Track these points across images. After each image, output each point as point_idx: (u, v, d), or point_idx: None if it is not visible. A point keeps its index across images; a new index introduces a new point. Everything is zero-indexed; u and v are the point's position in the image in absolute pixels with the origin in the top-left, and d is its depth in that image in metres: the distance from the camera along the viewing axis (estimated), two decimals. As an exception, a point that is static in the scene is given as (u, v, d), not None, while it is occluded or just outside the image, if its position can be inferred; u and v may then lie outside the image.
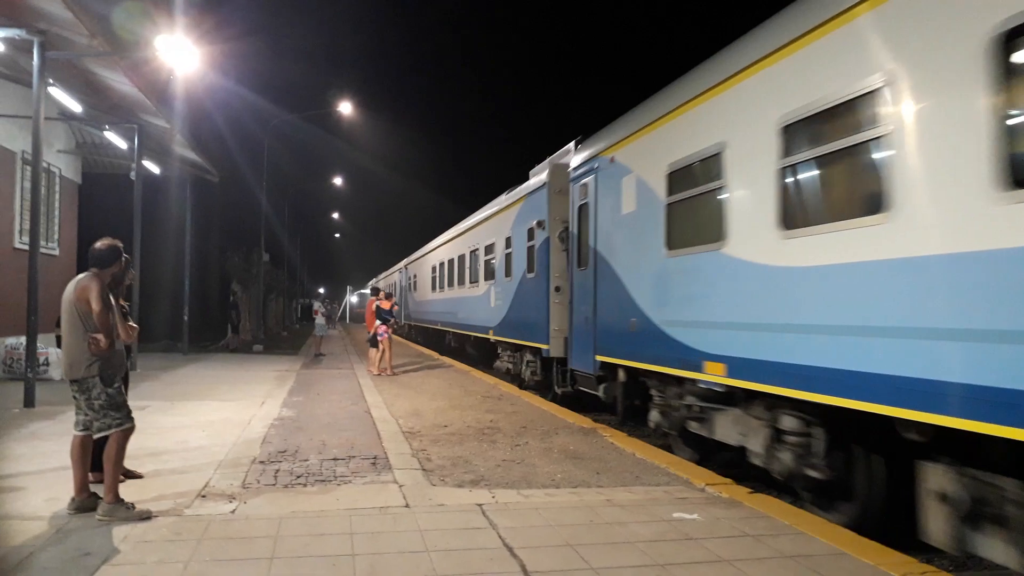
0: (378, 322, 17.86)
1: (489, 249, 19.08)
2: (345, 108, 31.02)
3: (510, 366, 16.68)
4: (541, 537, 5.18)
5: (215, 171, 21.39)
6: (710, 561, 4.74)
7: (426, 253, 31.83)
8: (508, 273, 16.81)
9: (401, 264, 42.29)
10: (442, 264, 26.88)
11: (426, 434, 9.24)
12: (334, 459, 7.66)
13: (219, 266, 32.60)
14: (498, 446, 8.52)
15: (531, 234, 14.73)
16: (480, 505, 5.97)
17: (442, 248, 27.16)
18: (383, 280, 54.76)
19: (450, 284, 25.19)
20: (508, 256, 16.88)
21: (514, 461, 7.72)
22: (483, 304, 19.43)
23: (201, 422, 9.83)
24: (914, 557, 5.08)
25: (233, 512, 5.65)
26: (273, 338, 35.73)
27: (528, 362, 14.99)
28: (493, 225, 18.65)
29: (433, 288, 29.16)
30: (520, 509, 5.90)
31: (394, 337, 21.60)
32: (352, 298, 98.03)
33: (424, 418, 10.58)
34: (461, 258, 23.12)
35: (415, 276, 35.59)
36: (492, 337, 18.04)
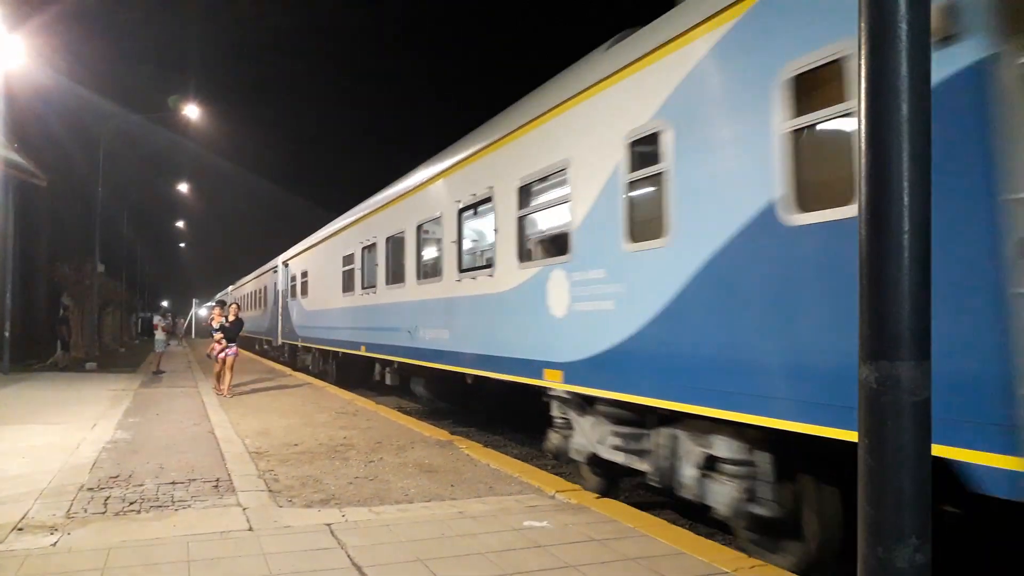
0: (217, 336, 16.16)
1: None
2: (192, 112, 29.48)
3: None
4: (391, 554, 5.11)
5: (42, 174, 19.71)
6: (557, 567, 4.84)
7: (336, 232, 19.11)
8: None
9: (277, 261, 29.66)
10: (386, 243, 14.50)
11: (274, 454, 8.89)
12: (172, 483, 7.22)
13: (48, 277, 29.90)
14: (351, 463, 8.34)
15: None
16: (329, 525, 5.81)
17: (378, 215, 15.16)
18: (243, 289, 44.90)
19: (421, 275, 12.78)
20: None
21: (367, 478, 7.58)
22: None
23: (21, 448, 8.98)
24: (743, 553, 5.43)
25: (54, 545, 5.20)
26: (109, 355, 33.23)
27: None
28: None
29: (355, 287, 16.68)
30: (371, 527, 5.79)
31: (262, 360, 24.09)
32: (201, 311, 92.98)
33: (273, 437, 10.18)
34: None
35: (304, 275, 23.70)
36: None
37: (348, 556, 5.04)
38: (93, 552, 5.04)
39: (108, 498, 6.59)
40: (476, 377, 10.17)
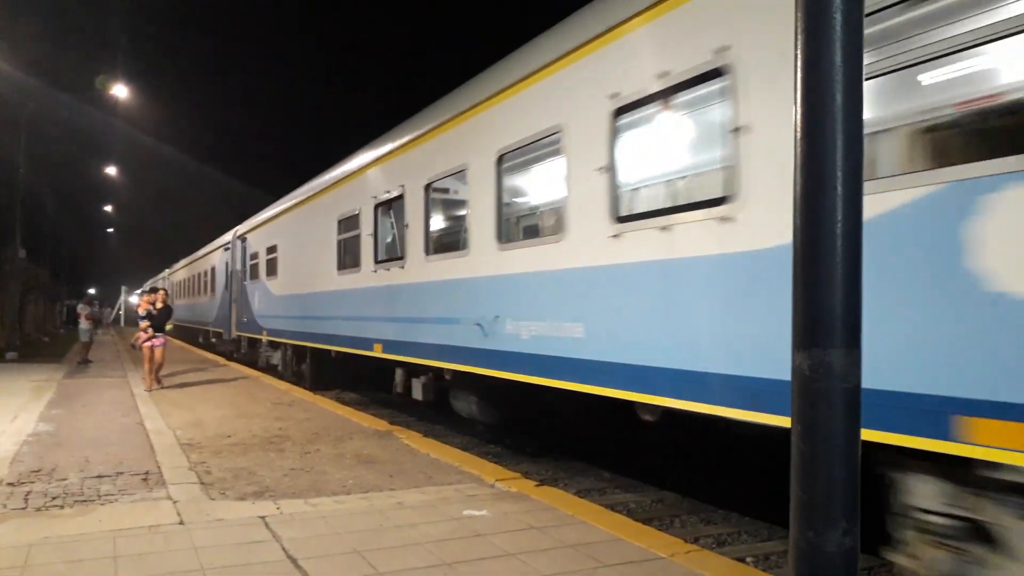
0: (143, 324, 15.08)
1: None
2: (120, 91, 28.39)
3: None
4: (328, 546, 5.03)
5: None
6: (496, 556, 4.85)
7: (326, 189, 14.51)
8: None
9: (228, 236, 24.40)
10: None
11: (207, 446, 8.67)
12: (98, 477, 6.97)
13: (-36, 263, 28.46)
14: (287, 455, 8.19)
15: None
16: (263, 517, 5.70)
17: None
18: (181, 273, 39.18)
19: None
20: None
21: (303, 469, 7.45)
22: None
23: (-67, 443, 8.55)
24: (682, 539, 5.54)
25: (-31, 544, 4.96)
26: (32, 344, 31.90)
27: None
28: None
29: (361, 262, 12.14)
30: (307, 518, 5.70)
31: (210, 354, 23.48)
32: (132, 298, 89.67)
33: (205, 429, 9.92)
34: None
35: (270, 251, 18.78)
36: None
37: (283, 548, 4.95)
38: (12, 550, 4.83)
39: (29, 493, 6.32)
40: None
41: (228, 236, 24.40)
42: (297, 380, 16.50)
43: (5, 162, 29.08)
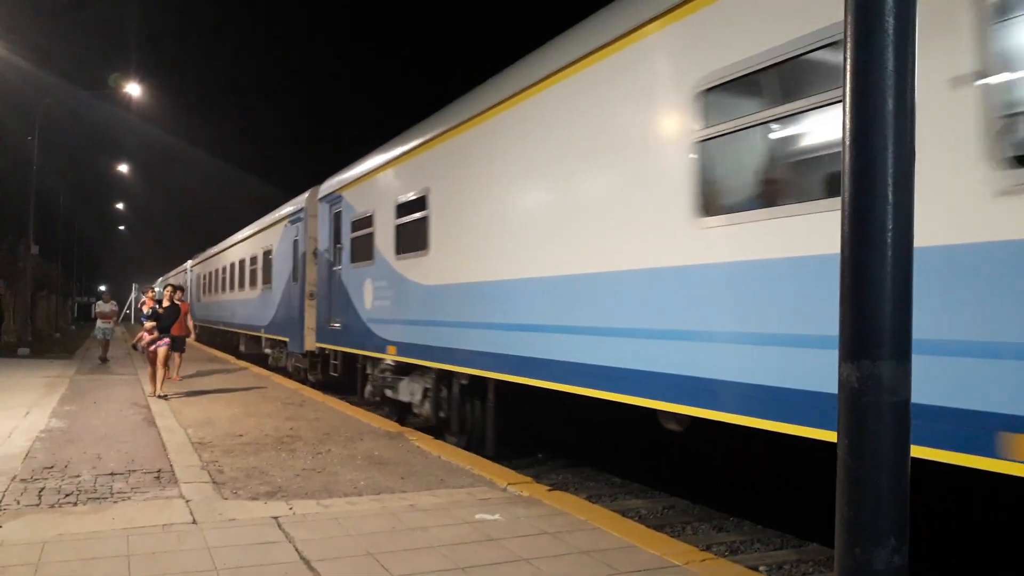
0: (148, 325, 13.44)
1: None
2: (134, 90, 28.47)
3: None
4: (340, 547, 5.01)
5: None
6: (510, 561, 4.81)
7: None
8: None
9: (301, 201, 17.16)
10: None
11: (218, 444, 8.67)
12: (111, 474, 6.98)
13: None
14: (298, 455, 8.18)
15: None
16: (276, 518, 5.68)
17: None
18: (212, 263, 31.98)
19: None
20: None
21: (315, 470, 7.44)
22: None
23: (-53, 437, 8.58)
24: (695, 546, 5.49)
25: (-17, 539, 4.96)
26: (44, 340, 32.08)
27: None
28: None
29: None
30: (319, 520, 5.68)
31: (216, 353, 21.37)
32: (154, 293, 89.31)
33: (217, 427, 9.93)
34: None
35: (405, 214, 10.87)
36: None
37: (296, 550, 4.93)
38: (26, 547, 4.82)
39: (42, 489, 6.33)
40: None
41: (298, 202, 16.88)
42: (464, 438, 9.65)
43: (19, 158, 29.26)
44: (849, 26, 1.51)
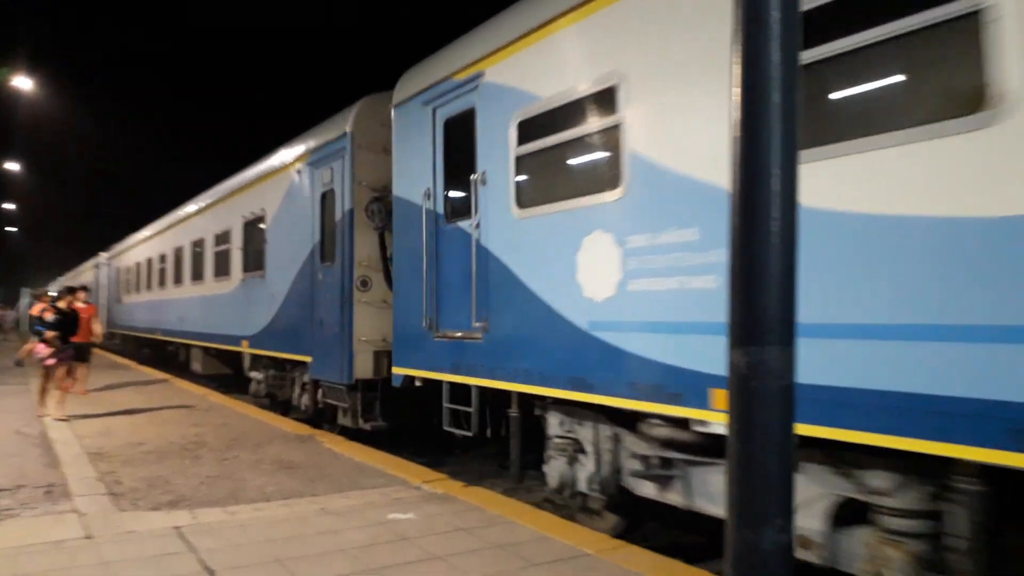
0: (50, 335, 11.17)
1: None
2: (23, 83, 26.72)
3: None
4: (247, 555, 4.85)
5: None
6: (424, 560, 4.77)
7: None
8: None
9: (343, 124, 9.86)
10: None
11: (117, 454, 8.26)
12: (-3, 490, 6.56)
13: None
14: (203, 462, 7.88)
15: None
16: (178, 528, 5.46)
17: None
18: (141, 248, 24.20)
19: None
20: None
21: (221, 476, 7.18)
22: None
23: None
24: (608, 534, 5.58)
25: None
26: (-79, 351, 29.85)
27: None
28: None
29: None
30: (225, 528, 5.49)
31: None
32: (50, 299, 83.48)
33: (116, 436, 9.46)
34: None
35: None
36: None
37: (200, 560, 4.75)
38: (-102, 572, 4.48)
39: (-82, 510, 5.89)
40: None
41: (333, 127, 10.28)
42: None
43: None
44: (739, 20, 1.54)
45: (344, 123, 9.76)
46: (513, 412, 6.73)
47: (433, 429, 8.15)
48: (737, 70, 1.55)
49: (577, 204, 5.76)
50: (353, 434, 9.61)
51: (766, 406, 1.54)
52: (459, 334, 7.11)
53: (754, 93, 1.53)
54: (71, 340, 11.73)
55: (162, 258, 20.70)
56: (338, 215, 9.74)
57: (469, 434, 7.20)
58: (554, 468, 6.28)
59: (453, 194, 7.56)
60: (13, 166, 46.48)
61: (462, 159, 7.26)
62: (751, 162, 1.54)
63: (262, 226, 12.57)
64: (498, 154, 6.70)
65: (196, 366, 17.22)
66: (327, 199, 10.17)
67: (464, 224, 7.15)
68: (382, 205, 9.10)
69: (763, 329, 1.54)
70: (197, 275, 16.72)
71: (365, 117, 9.54)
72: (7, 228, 73.50)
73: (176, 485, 6.82)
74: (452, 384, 7.34)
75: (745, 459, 1.55)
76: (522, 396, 6.57)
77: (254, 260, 12.95)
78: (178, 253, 18.71)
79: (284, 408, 12.22)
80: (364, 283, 9.39)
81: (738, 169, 1.56)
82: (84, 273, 39.95)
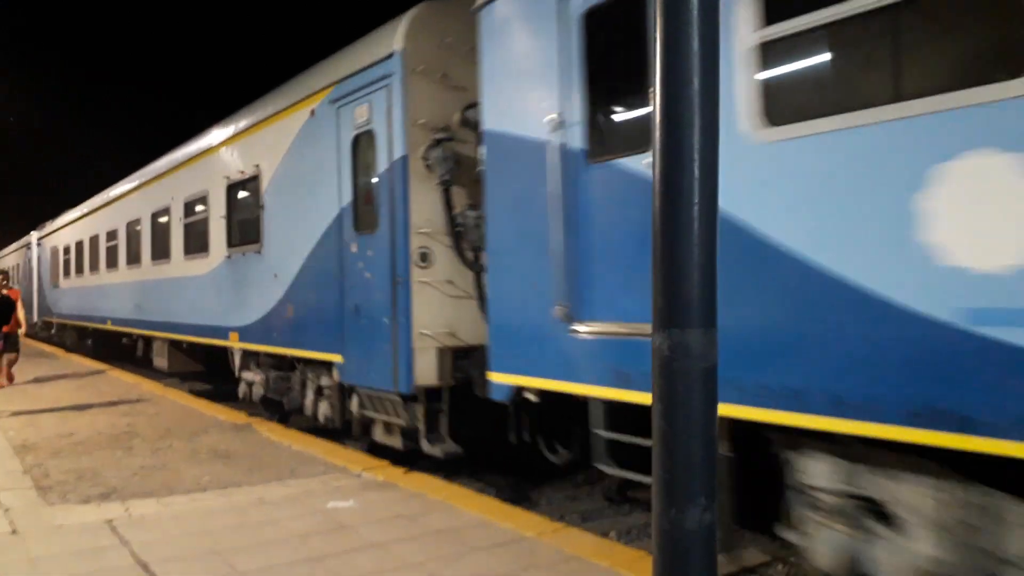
0: None
1: None
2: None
3: None
4: (183, 548, 4.76)
5: None
6: (364, 547, 4.75)
7: None
8: None
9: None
10: None
11: (44, 446, 7.99)
12: (-87, 487, 6.28)
13: None
14: (135, 453, 7.68)
15: None
16: (110, 521, 5.31)
17: None
18: (79, 225, 21.34)
19: None
20: None
21: (155, 467, 7.01)
22: None
23: None
24: (548, 517, 5.64)
25: None
26: None
27: None
28: None
29: None
30: (159, 520, 5.37)
31: None
32: None
33: (43, 428, 9.14)
34: None
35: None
36: None
37: (132, 553, 4.64)
38: None
39: None
40: None
41: (375, 48, 7.72)
42: None
43: None
44: (658, 4, 1.56)
45: (391, 40, 7.24)
46: (725, 452, 4.36)
47: (508, 448, 7.03)
48: (658, 57, 1.57)
49: (936, 105, 3.30)
50: (408, 457, 7.49)
51: (688, 387, 1.58)
52: (626, 330, 4.83)
53: (673, 80, 1.55)
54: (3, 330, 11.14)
55: (111, 235, 17.63)
56: (381, 166, 7.31)
57: (644, 480, 4.74)
58: (824, 541, 3.98)
59: (609, 119, 5.34)
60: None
61: (624, 65, 5.05)
62: (671, 148, 1.56)
63: (256, 189, 9.90)
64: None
65: (160, 362, 14.67)
66: (362, 146, 7.71)
67: (633, 162, 4.83)
68: (447, 150, 6.95)
69: (684, 312, 1.57)
70: (160, 253, 13.88)
71: (421, 32, 7.18)
72: None
73: (107, 477, 6.63)
74: (608, 403, 5.07)
75: (669, 440, 1.58)
76: (738, 423, 4.19)
77: (245, 232, 10.40)
78: (132, 228, 15.87)
79: (283, 417, 10.05)
80: (424, 257, 7.06)
81: (659, 156, 1.58)
82: (8, 257, 36.85)
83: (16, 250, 34.99)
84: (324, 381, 8.51)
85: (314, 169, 8.50)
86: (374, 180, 7.50)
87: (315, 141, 8.50)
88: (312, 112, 8.56)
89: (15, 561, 4.53)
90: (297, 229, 8.87)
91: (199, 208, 11.97)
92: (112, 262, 17.45)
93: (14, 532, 5.08)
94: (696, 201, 1.55)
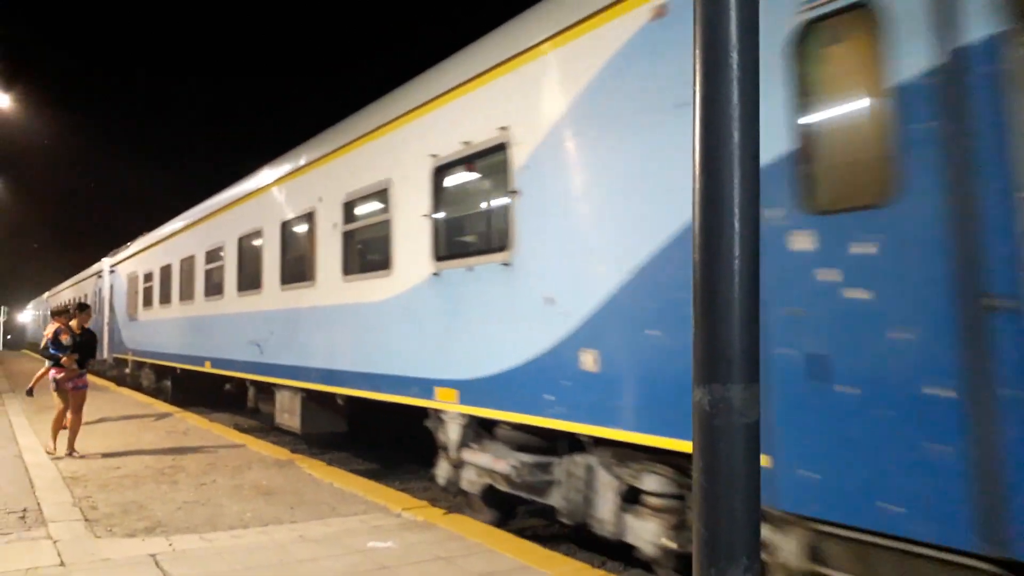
0: (68, 359, 9.90)
1: None
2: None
3: None
4: (223, 584, 4.79)
5: None
6: (402, 589, 4.72)
7: None
8: None
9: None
10: None
11: (93, 479, 8.15)
12: (-32, 517, 6.44)
13: None
14: (180, 487, 7.78)
15: None
16: (154, 555, 5.38)
17: None
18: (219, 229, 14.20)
19: None
20: None
21: (198, 502, 7.10)
22: None
23: None
24: (589, 564, 5.54)
25: None
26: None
27: None
28: None
29: None
30: (202, 555, 5.42)
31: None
32: (25, 317, 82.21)
33: (92, 460, 9.34)
34: None
35: None
36: None
37: (174, 590, 4.68)
38: None
39: None
40: None
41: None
42: None
43: None
44: (697, 59, 1.57)
45: None
46: None
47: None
48: (697, 112, 1.58)
49: None
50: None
51: (730, 444, 1.56)
52: None
53: (712, 134, 1.55)
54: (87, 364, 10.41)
55: (212, 254, 14.12)
56: (911, 68, 3.64)
57: None
58: None
59: None
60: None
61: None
62: (711, 202, 1.57)
63: (501, 165, 6.48)
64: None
65: (286, 419, 10.65)
66: (823, 37, 4.11)
67: None
68: None
69: (726, 367, 1.55)
70: (294, 275, 10.45)
71: None
72: None
73: (152, 511, 6.73)
74: None
75: (711, 498, 1.56)
76: None
77: (473, 235, 7.39)
78: (247, 244, 12.40)
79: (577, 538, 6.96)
80: None
81: (698, 210, 1.58)
82: (73, 289, 34.31)
83: (77, 282, 33.52)
84: (650, 483, 5.14)
85: (663, 108, 4.94)
86: (876, 101, 3.86)
87: (666, 60, 4.94)
88: (661, 9, 4.98)
89: (61, 594, 4.61)
90: (609, 223, 5.46)
91: (371, 207, 8.65)
92: (214, 288, 13.90)
93: (62, 564, 5.17)
94: (737, 255, 1.54)
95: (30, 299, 75.49)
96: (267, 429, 14.10)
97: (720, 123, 1.56)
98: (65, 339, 9.95)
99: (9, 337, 79.74)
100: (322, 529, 6.15)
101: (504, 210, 6.43)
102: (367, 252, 8.94)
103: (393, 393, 7.87)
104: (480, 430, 6.83)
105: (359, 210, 8.93)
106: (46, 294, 50.03)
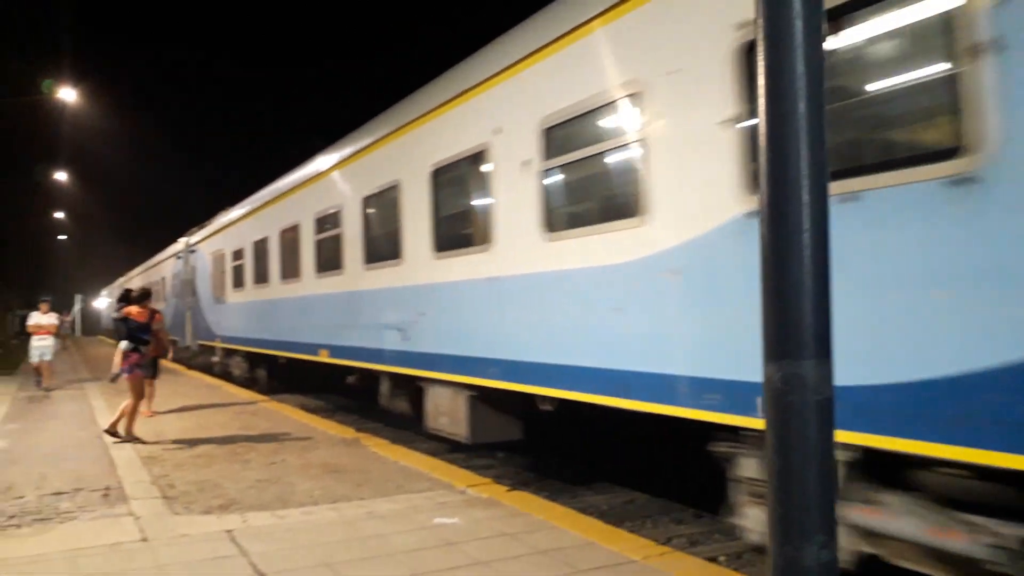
0: (125, 347, 9.86)
1: None
2: (68, 95, 27.42)
3: None
4: (296, 559, 4.95)
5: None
6: (469, 565, 4.80)
7: None
8: None
9: None
10: None
11: (169, 458, 8.48)
12: (56, 494, 6.78)
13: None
14: (252, 466, 8.04)
15: None
16: (230, 531, 5.58)
17: None
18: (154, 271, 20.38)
19: None
20: None
21: (269, 480, 7.32)
22: None
23: None
24: (654, 540, 5.54)
25: (-80, 570, 4.78)
26: (-15, 358, 30.98)
27: None
28: None
29: None
30: (274, 531, 5.60)
31: None
32: (98, 305, 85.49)
33: (167, 440, 9.71)
34: None
35: None
36: None
37: (251, 563, 4.85)
38: (-34, 575, 4.67)
39: (-17, 514, 6.13)
40: None
41: None
42: None
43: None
44: (762, 29, 1.53)
45: None
46: None
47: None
48: (761, 81, 1.54)
49: None
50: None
51: (804, 421, 1.53)
52: None
53: (778, 105, 1.51)
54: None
55: (324, 221, 11.91)
56: None
57: None
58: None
59: None
60: (61, 176, 47.90)
61: None
62: (779, 176, 1.53)
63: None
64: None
65: (447, 424, 8.54)
66: None
67: None
68: None
69: (798, 343, 1.52)
70: (455, 238, 8.30)
71: None
72: (58, 237, 75.68)
73: (226, 489, 6.97)
74: None
75: (785, 475, 1.54)
76: None
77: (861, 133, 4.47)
78: (374, 204, 10.21)
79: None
80: None
81: (766, 183, 1.55)
82: (151, 271, 32.46)
83: (152, 266, 31.76)
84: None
85: None
86: None
87: None
88: None
89: (146, 567, 4.82)
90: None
91: (592, 129, 6.17)
92: (329, 262, 11.62)
93: (144, 539, 5.40)
94: (806, 228, 1.51)
95: (103, 287, 78.33)
96: (331, 409, 14.43)
97: (786, 94, 1.52)
98: (143, 321, 9.98)
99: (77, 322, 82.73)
100: (389, 506, 6.29)
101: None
102: (588, 194, 6.54)
103: (655, 401, 5.43)
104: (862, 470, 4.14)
105: (572, 138, 6.34)
106: (120, 280, 51.31)
